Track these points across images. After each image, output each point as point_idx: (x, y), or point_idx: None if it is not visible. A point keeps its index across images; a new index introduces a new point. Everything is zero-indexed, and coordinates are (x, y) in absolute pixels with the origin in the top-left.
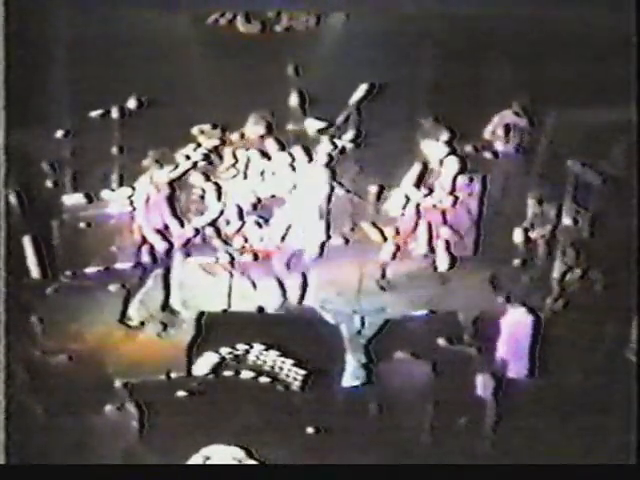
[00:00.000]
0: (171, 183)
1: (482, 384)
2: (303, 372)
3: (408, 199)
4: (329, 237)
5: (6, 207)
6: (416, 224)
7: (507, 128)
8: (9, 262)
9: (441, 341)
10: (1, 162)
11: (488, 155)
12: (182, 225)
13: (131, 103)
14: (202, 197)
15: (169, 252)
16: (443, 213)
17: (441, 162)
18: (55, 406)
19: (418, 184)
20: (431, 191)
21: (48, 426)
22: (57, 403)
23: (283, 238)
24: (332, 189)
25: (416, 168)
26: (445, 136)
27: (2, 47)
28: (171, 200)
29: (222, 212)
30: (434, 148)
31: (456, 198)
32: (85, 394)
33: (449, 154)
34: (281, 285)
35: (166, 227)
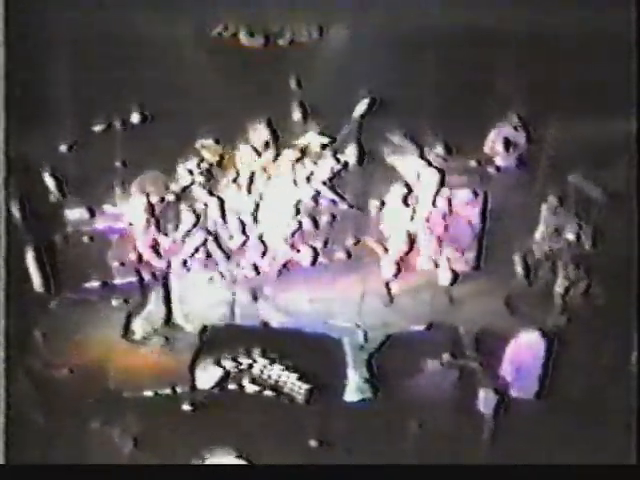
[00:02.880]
0: (163, 200)
1: (484, 400)
2: (306, 386)
3: (396, 216)
4: (330, 251)
5: (9, 220)
6: (411, 241)
7: (506, 142)
8: (12, 275)
9: (444, 355)
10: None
11: (490, 169)
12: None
13: (134, 117)
14: (203, 212)
15: (169, 266)
16: (445, 228)
17: (418, 177)
18: (57, 418)
19: (404, 200)
20: (416, 209)
21: (49, 438)
22: (59, 416)
23: (284, 252)
24: (335, 203)
25: (399, 185)
26: (440, 149)
27: (4, 59)
28: (166, 219)
29: (210, 232)
30: (407, 164)
31: (447, 213)
32: (87, 407)
33: (426, 168)
34: (286, 299)
35: (161, 242)
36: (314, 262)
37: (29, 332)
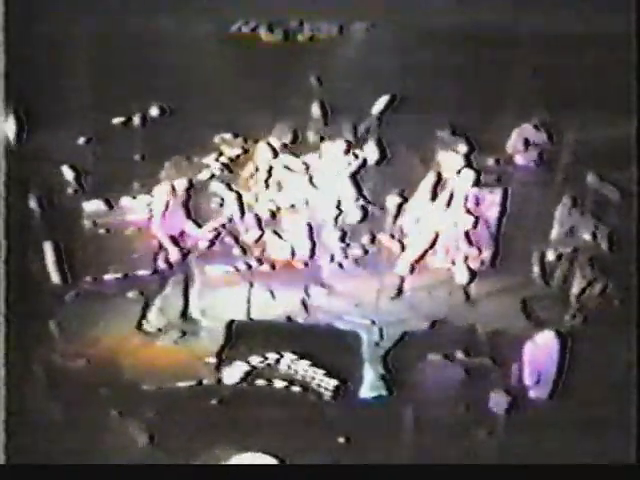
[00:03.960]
0: (188, 190)
1: (495, 400)
2: (334, 382)
3: (423, 213)
4: (348, 248)
5: (27, 212)
6: (434, 238)
7: (526, 142)
8: (29, 267)
9: (459, 354)
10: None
11: (509, 169)
12: (199, 226)
13: (153, 111)
14: (221, 205)
15: (186, 259)
16: (464, 226)
17: (457, 174)
18: (72, 408)
19: (434, 196)
20: (448, 205)
21: (63, 427)
22: (74, 406)
23: (302, 248)
24: (353, 200)
25: (430, 179)
26: (463, 148)
27: (27, 53)
28: (188, 206)
29: (231, 220)
30: (451, 160)
31: (472, 212)
32: (102, 398)
33: (465, 167)
34: (304, 295)
35: (182, 234)
36: (332, 259)
37: (46, 324)
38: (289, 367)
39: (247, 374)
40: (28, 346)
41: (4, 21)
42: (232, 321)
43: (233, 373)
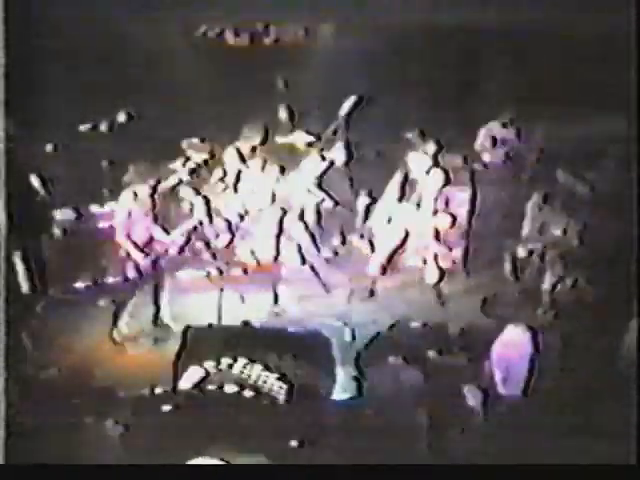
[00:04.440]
0: (153, 196)
1: (470, 395)
2: (286, 385)
3: (392, 213)
4: (318, 250)
5: None
6: (404, 238)
7: (494, 140)
8: None
9: (431, 352)
10: None
11: (477, 167)
12: (167, 233)
13: (121, 117)
14: (191, 210)
15: (156, 266)
16: (434, 226)
17: (426, 173)
18: (45, 417)
19: (402, 196)
20: (418, 205)
21: (38, 435)
22: (47, 415)
23: (272, 251)
24: (321, 202)
25: (397, 179)
26: (431, 148)
27: None
28: (154, 212)
29: (201, 223)
30: (419, 160)
31: (442, 211)
32: (74, 407)
33: (433, 166)
34: (274, 298)
35: (150, 240)
36: (303, 262)
37: (17, 334)
38: (242, 372)
39: (201, 379)
40: None
41: None
42: (188, 327)
43: (188, 378)
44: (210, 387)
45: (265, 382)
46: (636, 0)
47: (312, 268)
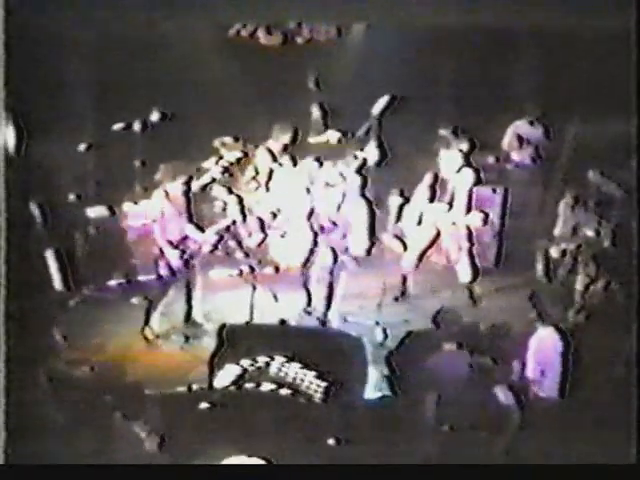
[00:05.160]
0: (187, 195)
1: (502, 394)
2: (324, 384)
3: (424, 212)
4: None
5: (29, 220)
6: (436, 237)
7: (520, 139)
8: (32, 275)
9: (463, 352)
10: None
11: (509, 166)
12: (202, 231)
13: (154, 116)
14: (224, 209)
15: (188, 264)
16: (466, 225)
17: (457, 173)
18: (77, 415)
19: (432, 197)
20: (450, 205)
21: (69, 434)
22: (79, 413)
23: (304, 251)
24: (355, 201)
25: (429, 178)
26: (464, 146)
27: (27, 61)
28: (189, 210)
29: (234, 222)
30: (451, 159)
31: (474, 210)
32: (107, 404)
33: (464, 166)
34: (307, 297)
35: (184, 239)
36: (335, 260)
37: (50, 331)
38: (279, 370)
39: (238, 377)
40: (31, 354)
41: (4, 29)
42: (224, 325)
43: (225, 376)
44: (248, 385)
45: (302, 380)
46: None
47: (344, 267)
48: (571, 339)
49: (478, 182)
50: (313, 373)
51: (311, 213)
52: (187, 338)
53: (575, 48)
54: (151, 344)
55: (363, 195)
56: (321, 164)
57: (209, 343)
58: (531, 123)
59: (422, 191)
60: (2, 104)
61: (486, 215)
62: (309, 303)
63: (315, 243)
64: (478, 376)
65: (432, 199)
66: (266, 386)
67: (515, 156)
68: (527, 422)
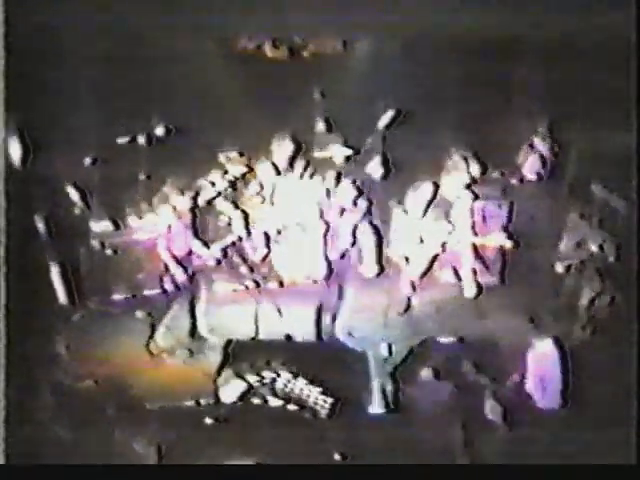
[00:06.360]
0: (193, 210)
1: (491, 409)
2: (330, 399)
3: (427, 227)
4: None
5: (33, 234)
6: (440, 252)
7: (528, 154)
8: (36, 288)
9: (467, 367)
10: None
11: (514, 181)
12: (207, 247)
13: (159, 130)
14: (229, 224)
15: (193, 279)
16: (469, 241)
17: (463, 187)
18: (81, 430)
19: (436, 213)
20: (453, 219)
21: (72, 448)
22: (83, 428)
23: (309, 266)
24: (363, 222)
25: (433, 193)
26: (475, 169)
27: (28, 73)
28: (195, 225)
29: (240, 238)
30: (455, 176)
31: (478, 225)
32: (111, 419)
33: (470, 183)
34: (313, 312)
35: (189, 254)
36: (339, 276)
37: (53, 344)
38: (285, 385)
39: (245, 393)
40: (35, 367)
41: (4, 37)
42: (230, 340)
43: (231, 392)
44: (254, 401)
45: (309, 396)
46: None
47: (349, 283)
48: (576, 354)
49: (482, 197)
50: (319, 389)
51: (317, 227)
52: (192, 352)
53: (578, 58)
54: (156, 358)
55: (368, 211)
56: (324, 178)
57: (214, 358)
58: (539, 137)
59: (426, 207)
60: (2, 117)
61: (492, 230)
62: (315, 318)
63: (319, 258)
64: (478, 391)
65: (436, 215)
66: (273, 401)
67: (521, 171)
68: (527, 424)
